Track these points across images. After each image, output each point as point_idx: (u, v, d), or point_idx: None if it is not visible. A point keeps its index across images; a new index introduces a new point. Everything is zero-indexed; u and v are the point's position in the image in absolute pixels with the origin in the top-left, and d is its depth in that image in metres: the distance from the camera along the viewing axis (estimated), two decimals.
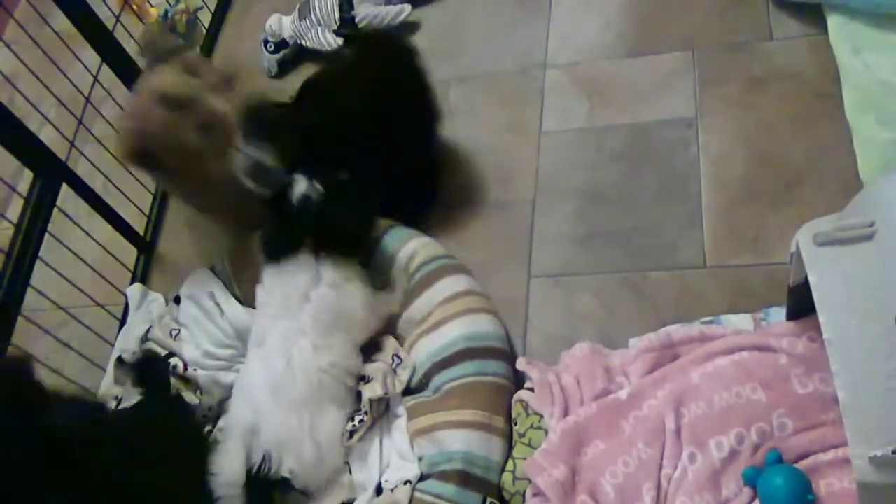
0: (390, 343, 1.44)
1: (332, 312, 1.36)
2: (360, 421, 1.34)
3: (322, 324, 1.35)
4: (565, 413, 1.25)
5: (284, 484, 1.27)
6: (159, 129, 1.43)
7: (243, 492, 1.23)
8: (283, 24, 2.03)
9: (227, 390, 1.50)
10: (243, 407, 1.34)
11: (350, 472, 1.34)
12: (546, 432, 1.24)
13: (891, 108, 1.41)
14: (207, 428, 1.49)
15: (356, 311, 1.39)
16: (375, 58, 1.57)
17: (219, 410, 1.51)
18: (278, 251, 1.40)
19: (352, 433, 1.34)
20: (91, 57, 1.84)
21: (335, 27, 1.99)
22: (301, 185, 1.40)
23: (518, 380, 1.36)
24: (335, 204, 1.39)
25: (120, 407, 1.50)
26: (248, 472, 1.25)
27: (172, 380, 1.51)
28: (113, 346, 1.69)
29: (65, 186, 1.66)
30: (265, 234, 1.46)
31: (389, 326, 1.48)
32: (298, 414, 1.29)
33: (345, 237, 1.40)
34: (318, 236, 1.38)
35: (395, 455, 1.34)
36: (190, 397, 1.50)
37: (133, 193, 1.83)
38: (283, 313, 1.36)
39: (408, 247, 1.50)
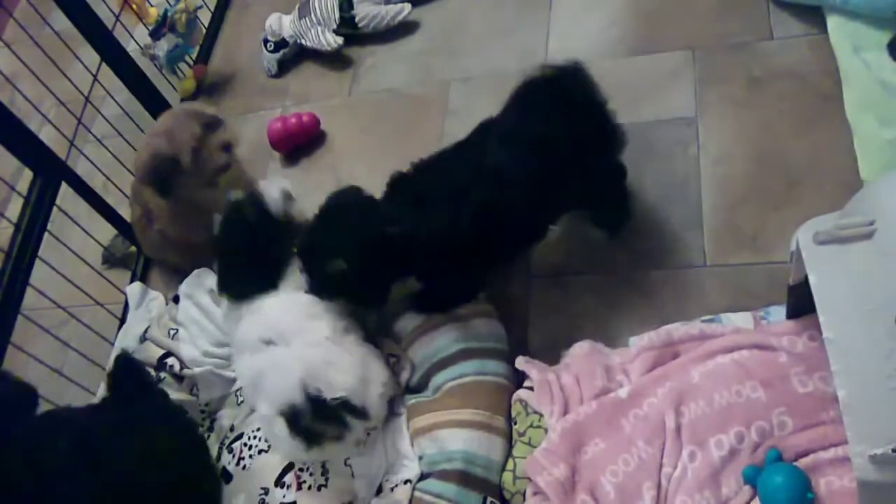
0: (384, 343, 1.43)
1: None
2: None
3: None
4: (565, 412, 1.25)
5: (345, 404, 1.25)
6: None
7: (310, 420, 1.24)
8: (283, 24, 2.03)
9: (227, 384, 1.50)
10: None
11: (353, 476, 1.34)
12: (546, 431, 1.24)
13: (891, 108, 1.40)
14: (204, 423, 1.50)
15: None
16: None
17: (217, 405, 1.52)
18: None
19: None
20: (91, 57, 1.84)
21: (335, 26, 1.99)
22: None
23: (518, 379, 1.35)
24: None
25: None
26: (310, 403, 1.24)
27: (167, 378, 1.50)
28: (113, 344, 1.69)
29: (64, 185, 1.67)
30: None
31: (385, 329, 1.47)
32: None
33: None
34: None
35: (396, 454, 1.34)
36: (184, 396, 1.50)
37: None
38: None
39: None
